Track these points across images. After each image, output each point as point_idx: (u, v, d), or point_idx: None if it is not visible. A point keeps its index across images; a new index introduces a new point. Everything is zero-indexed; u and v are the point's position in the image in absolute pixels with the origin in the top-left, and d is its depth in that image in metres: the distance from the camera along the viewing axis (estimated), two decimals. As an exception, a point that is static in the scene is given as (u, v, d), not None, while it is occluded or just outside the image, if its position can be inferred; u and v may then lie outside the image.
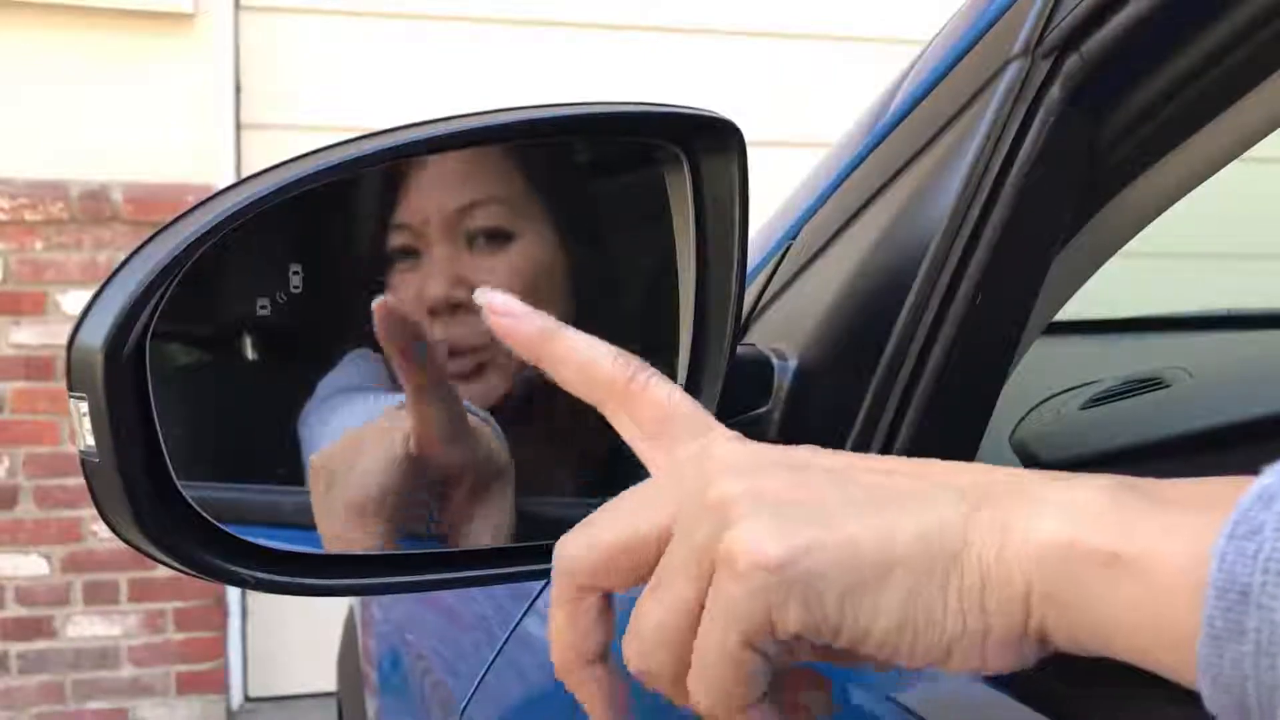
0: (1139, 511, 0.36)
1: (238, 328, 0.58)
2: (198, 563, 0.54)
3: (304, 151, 0.56)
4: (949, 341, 0.60)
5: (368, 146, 0.56)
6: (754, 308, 0.74)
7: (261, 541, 0.56)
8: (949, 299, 0.60)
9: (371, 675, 1.43)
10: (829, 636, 0.39)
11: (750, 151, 0.62)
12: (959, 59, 0.65)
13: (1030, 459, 0.87)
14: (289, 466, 0.59)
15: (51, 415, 3.10)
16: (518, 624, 0.94)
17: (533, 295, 0.63)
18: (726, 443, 0.46)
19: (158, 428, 0.52)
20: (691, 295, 0.64)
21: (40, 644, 3.14)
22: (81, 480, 0.54)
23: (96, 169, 3.13)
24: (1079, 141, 0.61)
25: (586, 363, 0.50)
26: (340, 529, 0.59)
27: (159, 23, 3.18)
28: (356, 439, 0.59)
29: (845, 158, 0.73)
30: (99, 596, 3.16)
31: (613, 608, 0.45)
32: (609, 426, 0.50)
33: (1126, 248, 0.69)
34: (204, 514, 0.54)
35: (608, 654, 0.46)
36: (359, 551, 0.59)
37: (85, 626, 3.16)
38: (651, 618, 0.42)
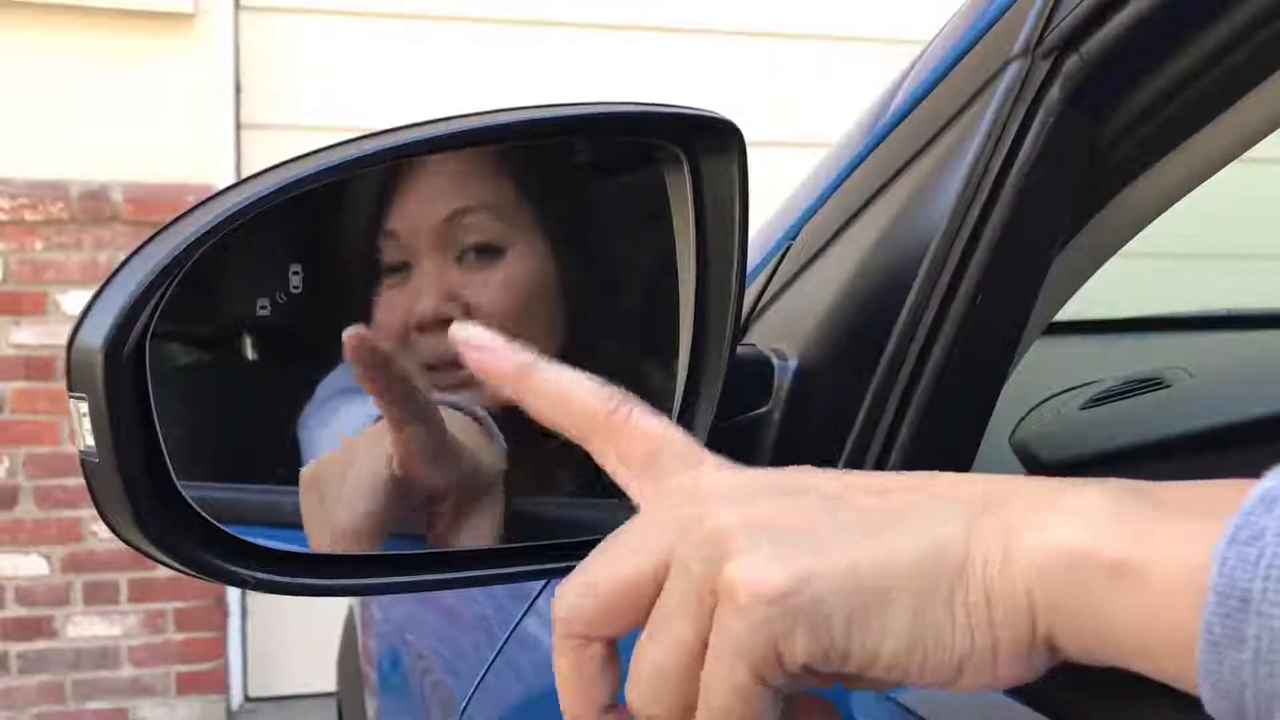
0: (1141, 517, 0.35)
1: (238, 328, 0.58)
2: (198, 563, 0.54)
3: (304, 151, 0.56)
4: (949, 341, 0.60)
5: (367, 147, 0.56)
6: (754, 308, 0.74)
7: (261, 541, 0.56)
8: (949, 299, 0.60)
9: (371, 675, 1.43)
10: (837, 663, 0.38)
11: (750, 151, 0.61)
12: (959, 59, 0.65)
13: (1030, 459, 0.87)
14: (289, 466, 0.58)
15: (51, 415, 3.10)
16: (518, 624, 0.94)
17: (526, 307, 0.63)
18: (717, 471, 0.44)
19: (157, 428, 0.52)
20: (691, 295, 0.64)
21: (40, 644, 3.14)
22: (81, 480, 0.53)
23: (96, 169, 3.13)
24: (1079, 141, 0.61)
25: (567, 397, 0.48)
26: (330, 546, 0.59)
27: (159, 23, 3.18)
28: (346, 453, 0.58)
29: (845, 158, 0.73)
30: (99, 596, 3.16)
31: (618, 653, 0.44)
32: None
33: (1126, 248, 0.69)
34: (204, 514, 0.54)
35: (617, 700, 0.44)
36: (358, 552, 0.59)
37: (85, 626, 3.16)
38: (651, 660, 0.41)
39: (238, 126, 3.31)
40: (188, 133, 3.22)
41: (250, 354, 0.59)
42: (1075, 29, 0.57)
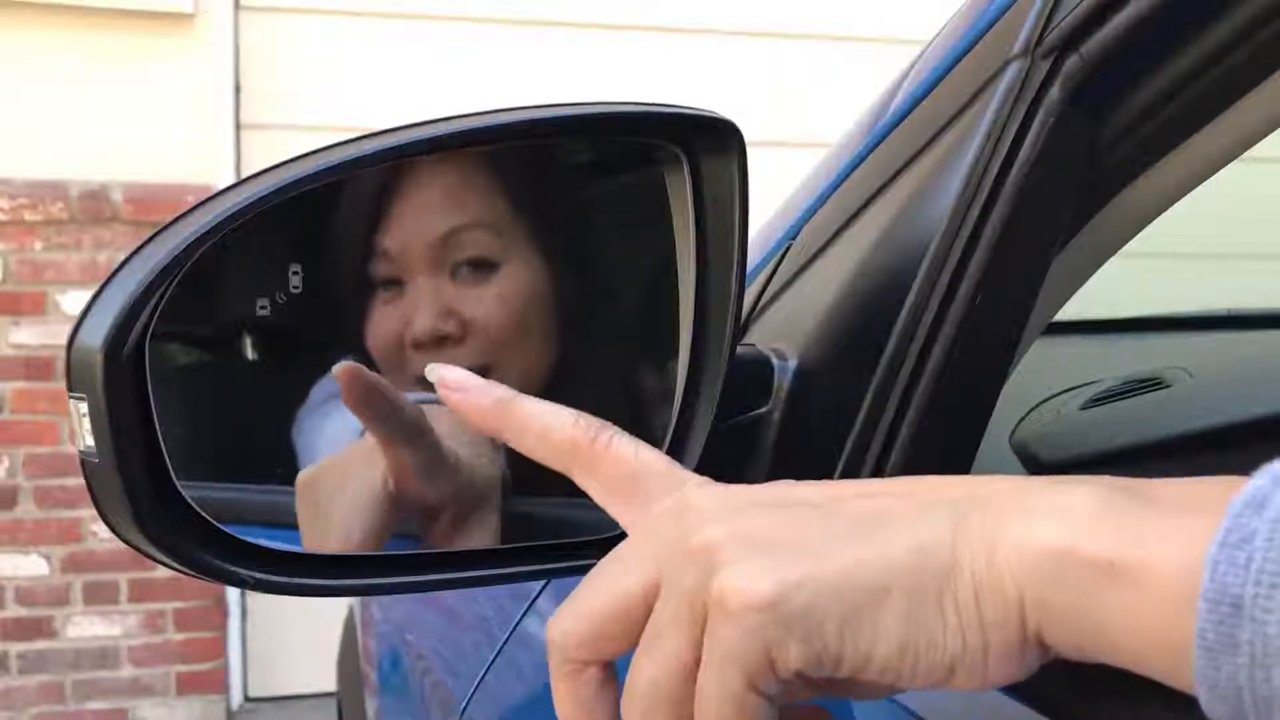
0: (1132, 516, 0.35)
1: (237, 328, 0.58)
2: (197, 563, 0.54)
3: (304, 151, 0.56)
4: (949, 341, 0.60)
5: (368, 147, 0.56)
6: (754, 308, 0.74)
7: (261, 541, 0.56)
8: (949, 299, 0.60)
9: (371, 675, 1.43)
10: (831, 668, 0.39)
11: (750, 151, 0.61)
12: (959, 59, 0.65)
13: (1030, 459, 0.87)
14: (288, 467, 0.59)
15: (51, 415, 3.10)
16: (518, 624, 0.94)
17: (522, 319, 0.63)
18: (701, 490, 0.45)
19: (157, 428, 0.52)
20: (691, 295, 0.64)
21: (40, 644, 3.15)
22: (81, 480, 0.54)
23: (96, 169, 3.13)
24: (1079, 141, 0.61)
25: (546, 430, 0.49)
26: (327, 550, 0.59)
27: (159, 23, 3.18)
28: (342, 463, 0.59)
29: (845, 158, 0.73)
30: (99, 597, 3.16)
31: (615, 676, 0.44)
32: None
33: (1126, 248, 0.69)
34: (204, 514, 0.54)
35: None
36: (358, 552, 0.59)
37: (85, 626, 3.17)
38: (646, 676, 0.41)
39: (238, 126, 3.31)
40: (188, 133, 3.22)
41: (250, 354, 0.59)
42: (1075, 29, 0.57)
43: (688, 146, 0.63)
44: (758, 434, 0.67)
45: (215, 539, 0.55)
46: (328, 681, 1.99)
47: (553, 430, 0.49)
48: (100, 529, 3.04)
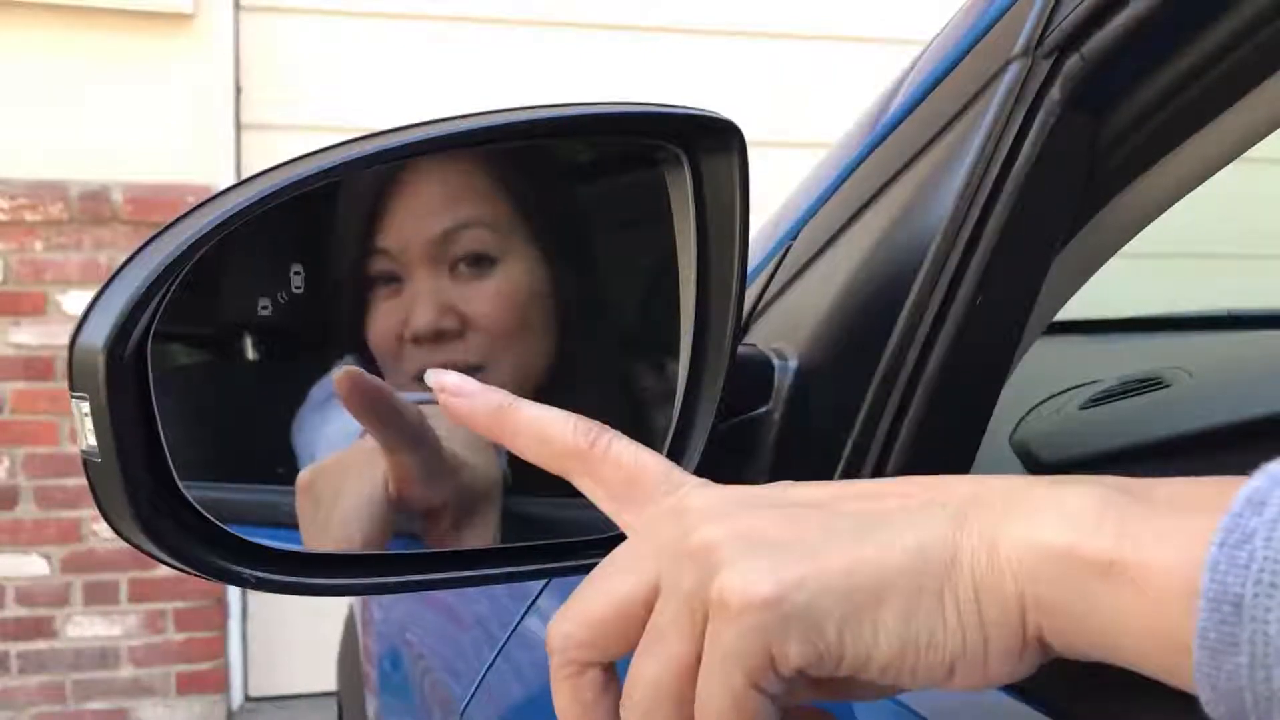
0: (1133, 516, 0.35)
1: (239, 328, 0.58)
2: (198, 562, 0.54)
3: (304, 152, 0.56)
4: (949, 341, 0.60)
5: (368, 147, 0.56)
6: (754, 308, 0.74)
7: (262, 541, 0.56)
8: (949, 299, 0.60)
9: (371, 675, 1.43)
10: (832, 666, 0.39)
11: (750, 151, 0.62)
12: (959, 59, 0.65)
13: (1030, 459, 0.87)
14: (289, 467, 0.59)
15: (51, 415, 3.10)
16: (518, 624, 0.94)
17: (522, 315, 0.63)
18: (700, 491, 0.45)
19: (159, 427, 0.52)
20: (692, 295, 0.64)
21: (40, 644, 3.15)
22: (81, 480, 0.54)
23: (96, 169, 3.13)
24: (1079, 142, 0.61)
25: (544, 434, 0.49)
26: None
27: (159, 23, 3.18)
28: (342, 464, 0.59)
29: (845, 158, 0.73)
30: (99, 597, 3.16)
31: (616, 677, 0.44)
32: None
33: (1126, 248, 0.69)
34: (205, 513, 0.54)
35: None
36: (359, 551, 0.59)
37: (85, 627, 3.16)
38: (647, 676, 0.41)
39: (238, 126, 3.31)
40: (188, 133, 3.22)
41: (251, 354, 0.59)
42: (1075, 29, 0.57)
43: (688, 146, 0.63)
44: (758, 434, 0.67)
45: (216, 538, 0.55)
46: (328, 681, 1.99)
47: (551, 435, 0.49)
48: (100, 529, 3.04)
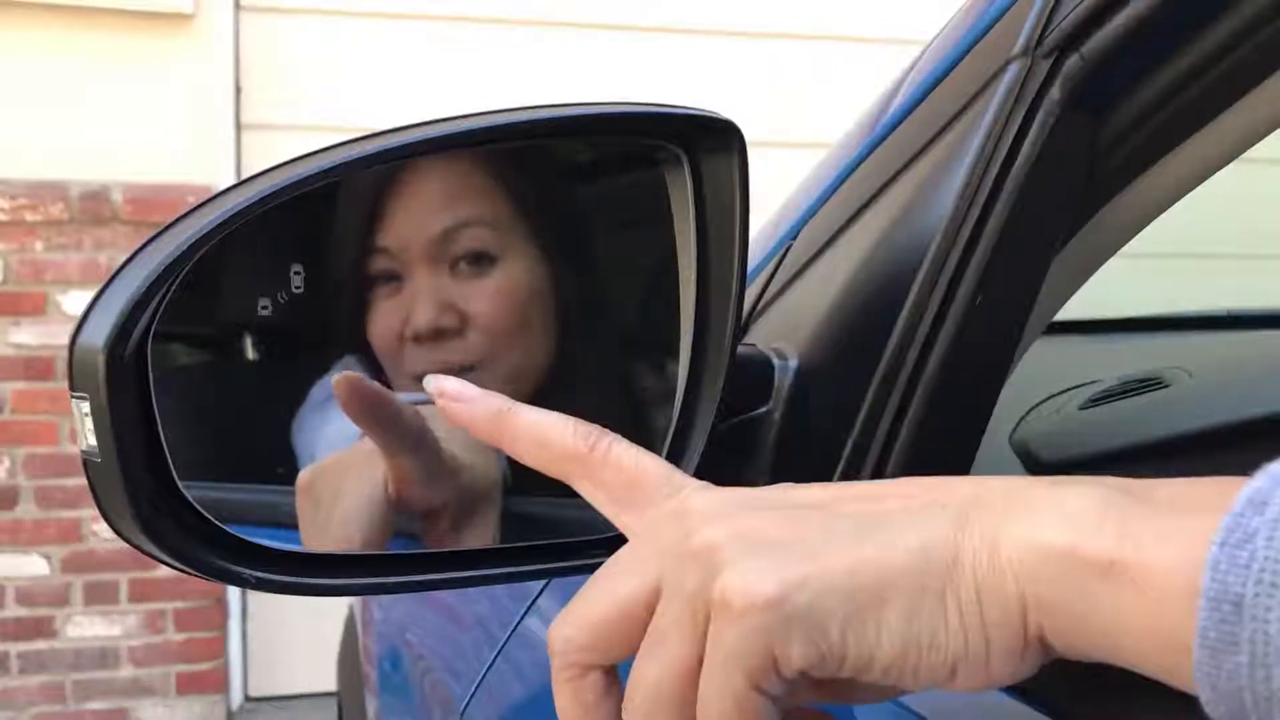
0: (1133, 516, 0.35)
1: (239, 328, 0.58)
2: (199, 562, 0.54)
3: (304, 152, 0.56)
4: (949, 341, 0.60)
5: (368, 147, 0.56)
6: (754, 308, 0.74)
7: (262, 541, 0.56)
8: (949, 299, 0.60)
9: (371, 675, 1.43)
10: (834, 668, 0.39)
11: (750, 151, 0.62)
12: (959, 59, 0.65)
13: (1030, 459, 0.87)
14: (289, 467, 0.59)
15: (51, 415, 3.10)
16: (518, 624, 0.94)
17: (522, 313, 0.63)
18: (701, 493, 0.45)
19: (159, 427, 0.52)
20: (692, 295, 0.64)
21: (40, 644, 3.15)
22: (81, 480, 0.54)
23: (96, 169, 3.13)
24: (1079, 142, 0.61)
25: (544, 438, 0.49)
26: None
27: (159, 23, 3.18)
28: (342, 465, 0.59)
29: (845, 158, 0.73)
30: (99, 597, 3.16)
31: (618, 680, 0.44)
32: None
33: (1126, 248, 0.69)
34: (205, 513, 0.54)
35: None
36: (359, 552, 0.59)
37: (85, 627, 3.16)
38: (649, 679, 0.41)
39: (238, 126, 3.31)
40: (188, 133, 3.22)
41: (251, 354, 0.59)
42: (1075, 29, 0.57)
43: (688, 146, 0.63)
44: (758, 434, 0.67)
45: (216, 538, 0.55)
46: (328, 681, 1.99)
47: (551, 439, 0.49)
48: (100, 529, 3.04)
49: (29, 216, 3.08)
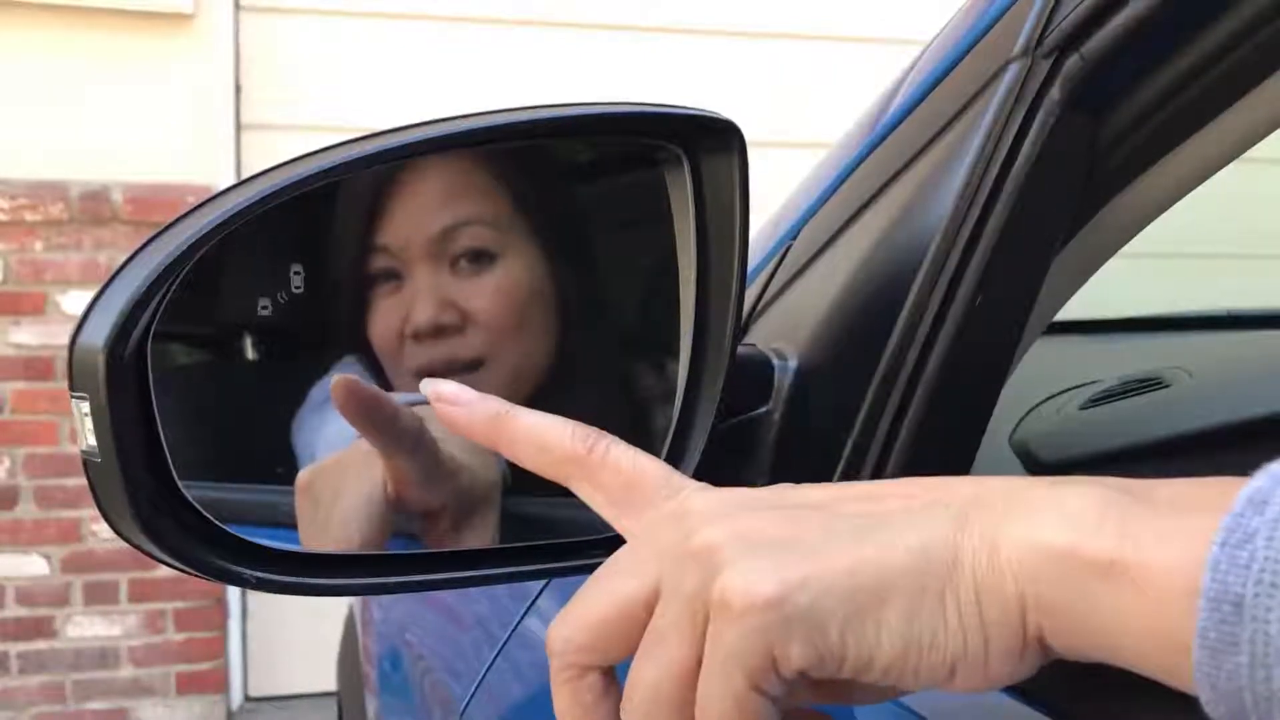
0: (1133, 516, 0.35)
1: (239, 328, 0.58)
2: (199, 562, 0.54)
3: (304, 152, 0.56)
4: (949, 341, 0.60)
5: (368, 147, 0.56)
6: (754, 308, 0.74)
7: (262, 541, 0.56)
8: (949, 299, 0.60)
9: (371, 675, 1.43)
10: (834, 668, 0.38)
11: (750, 151, 0.62)
12: (959, 59, 0.65)
13: (1030, 459, 0.87)
14: (289, 467, 0.59)
15: (51, 415, 3.10)
16: (518, 624, 0.94)
17: (522, 312, 0.63)
18: (700, 494, 0.45)
19: (159, 427, 0.52)
20: (692, 295, 0.64)
21: (40, 644, 3.15)
22: (81, 480, 0.54)
23: (96, 169, 3.13)
24: (1079, 142, 0.61)
25: (542, 441, 0.49)
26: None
27: (159, 23, 3.18)
28: (341, 465, 0.59)
29: (845, 158, 0.73)
30: (99, 597, 3.16)
31: (616, 681, 0.44)
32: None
33: (1126, 248, 0.69)
34: (205, 513, 0.54)
35: None
36: (358, 552, 0.59)
37: (85, 627, 3.16)
38: (647, 680, 0.41)
39: (238, 126, 3.31)
40: (188, 133, 3.22)
41: (251, 354, 0.59)
42: (1075, 29, 0.57)
43: (688, 147, 0.63)
44: (758, 434, 0.67)
45: (216, 538, 0.55)
46: (328, 681, 1.99)
47: (549, 441, 0.49)
48: (100, 529, 3.04)
49: (29, 216, 3.08)
